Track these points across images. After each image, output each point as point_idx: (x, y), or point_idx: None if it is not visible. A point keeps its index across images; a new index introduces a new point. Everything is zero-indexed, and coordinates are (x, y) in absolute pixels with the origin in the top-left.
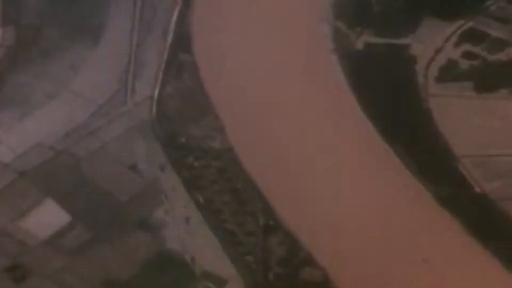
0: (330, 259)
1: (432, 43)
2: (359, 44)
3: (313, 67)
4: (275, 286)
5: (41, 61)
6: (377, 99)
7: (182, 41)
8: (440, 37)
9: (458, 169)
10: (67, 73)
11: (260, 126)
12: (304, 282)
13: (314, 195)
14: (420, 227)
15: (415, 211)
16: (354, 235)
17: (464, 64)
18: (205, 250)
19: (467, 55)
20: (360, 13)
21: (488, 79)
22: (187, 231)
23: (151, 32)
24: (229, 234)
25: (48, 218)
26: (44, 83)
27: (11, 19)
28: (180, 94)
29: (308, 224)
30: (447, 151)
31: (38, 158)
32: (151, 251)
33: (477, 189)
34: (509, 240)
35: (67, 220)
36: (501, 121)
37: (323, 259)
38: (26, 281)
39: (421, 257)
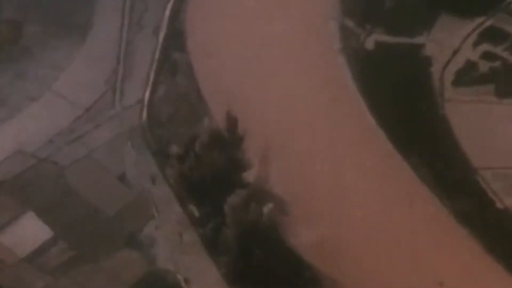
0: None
1: (449, 43)
2: (369, 44)
3: (318, 68)
4: None
5: (22, 60)
6: (389, 105)
7: (176, 38)
8: (457, 37)
9: (478, 182)
10: (51, 73)
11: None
12: None
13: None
14: (436, 247)
15: (431, 229)
16: (362, 256)
17: (484, 66)
18: (200, 271)
19: (487, 56)
20: (370, 10)
21: (510, 83)
22: (180, 249)
23: (142, 29)
24: None
25: (28, 233)
26: (26, 84)
27: None
28: (173, 97)
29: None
30: (465, 163)
31: (18, 167)
32: (140, 271)
33: (499, 205)
34: None
35: (49, 235)
36: None
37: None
38: None
39: (437, 281)
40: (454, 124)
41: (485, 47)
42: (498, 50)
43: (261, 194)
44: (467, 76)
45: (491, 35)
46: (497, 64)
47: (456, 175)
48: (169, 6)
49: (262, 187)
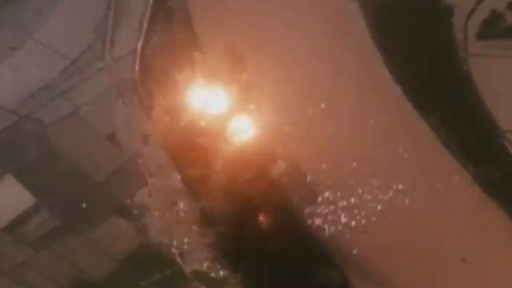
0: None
1: None
2: None
3: (330, 18)
4: None
5: (2, 4)
6: (407, 59)
7: None
8: None
9: (505, 147)
10: (34, 19)
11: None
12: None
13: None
14: (459, 221)
15: (453, 201)
16: (385, 232)
17: (511, 17)
18: (196, 243)
19: None
20: None
21: None
22: (175, 219)
23: None
24: None
25: (7, 199)
26: (4, 31)
27: None
28: (168, 48)
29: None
30: (491, 125)
31: None
32: (131, 245)
33: None
34: None
35: (30, 203)
36: None
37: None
38: None
39: (461, 257)
40: (478, 81)
41: None
42: None
43: None
44: (493, 28)
45: None
46: None
47: (480, 138)
48: None
49: None
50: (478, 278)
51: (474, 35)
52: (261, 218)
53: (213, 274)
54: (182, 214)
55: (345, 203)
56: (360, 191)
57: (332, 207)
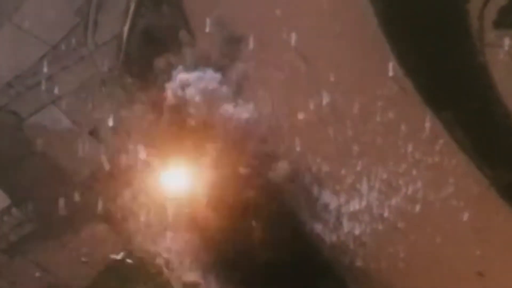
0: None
1: None
2: None
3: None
4: None
5: None
6: (418, 50)
7: None
8: None
9: None
10: (10, 1)
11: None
12: None
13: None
14: (474, 228)
15: (468, 207)
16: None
17: None
18: (185, 252)
19: None
20: None
21: None
22: (162, 224)
23: None
24: None
25: None
26: None
27: None
28: (157, 32)
29: None
30: (509, 122)
31: None
32: (112, 252)
33: None
34: None
35: (4, 204)
36: None
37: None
38: None
39: (477, 271)
40: (495, 74)
41: None
42: None
43: None
44: (511, 16)
45: None
46: None
47: (498, 137)
48: None
49: None
50: None
51: (490, 23)
52: (256, 224)
53: (203, 286)
54: (170, 218)
55: (348, 209)
56: (365, 195)
57: (334, 213)
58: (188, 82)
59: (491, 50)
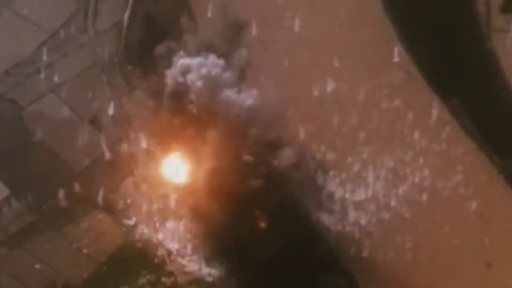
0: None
1: None
2: None
3: None
4: None
5: None
6: (425, 35)
7: None
8: None
9: None
10: None
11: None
12: None
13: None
14: (483, 218)
15: (477, 196)
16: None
17: None
18: (188, 242)
19: None
20: None
21: None
22: (164, 214)
23: None
24: None
25: None
26: None
27: None
28: (158, 19)
29: None
30: None
31: None
32: (113, 243)
33: None
34: None
35: (3, 194)
36: None
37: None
38: None
39: (486, 262)
40: (503, 60)
41: None
42: None
43: None
44: None
45: None
46: None
47: (507, 125)
48: None
49: None
50: (505, 284)
51: (498, 8)
52: (261, 214)
53: (206, 278)
54: (172, 208)
55: (354, 198)
56: (371, 184)
57: (339, 202)
58: (190, 68)
59: (499, 35)
